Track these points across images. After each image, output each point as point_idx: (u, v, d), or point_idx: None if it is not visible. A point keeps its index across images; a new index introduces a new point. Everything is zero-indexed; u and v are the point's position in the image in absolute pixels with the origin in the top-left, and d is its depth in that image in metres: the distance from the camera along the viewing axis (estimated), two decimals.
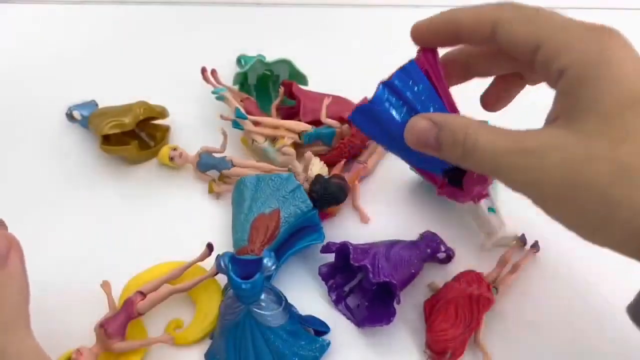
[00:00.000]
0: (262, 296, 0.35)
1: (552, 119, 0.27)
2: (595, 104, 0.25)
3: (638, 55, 0.25)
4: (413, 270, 0.40)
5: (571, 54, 0.26)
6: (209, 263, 0.40)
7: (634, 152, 0.24)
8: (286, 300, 0.36)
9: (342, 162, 0.48)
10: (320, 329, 0.39)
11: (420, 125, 0.28)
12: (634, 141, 0.24)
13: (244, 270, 0.33)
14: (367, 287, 0.40)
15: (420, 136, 0.29)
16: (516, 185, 0.26)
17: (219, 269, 0.33)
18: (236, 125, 0.47)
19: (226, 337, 0.36)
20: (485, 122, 0.28)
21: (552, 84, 0.27)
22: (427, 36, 0.32)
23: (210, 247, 0.40)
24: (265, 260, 0.33)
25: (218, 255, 0.34)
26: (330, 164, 0.48)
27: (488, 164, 0.26)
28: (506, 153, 0.25)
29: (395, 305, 0.37)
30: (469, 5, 0.29)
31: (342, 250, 0.40)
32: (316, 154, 0.47)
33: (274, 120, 0.48)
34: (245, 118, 0.47)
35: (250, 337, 0.35)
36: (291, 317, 0.36)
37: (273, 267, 0.33)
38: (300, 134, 0.48)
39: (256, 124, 0.48)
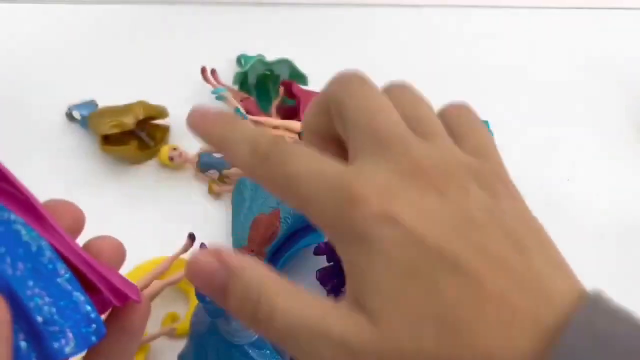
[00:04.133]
0: None
1: (350, 293, 0.22)
2: (374, 286, 0.20)
3: (393, 210, 0.20)
4: None
5: (327, 232, 0.22)
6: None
7: (436, 344, 0.19)
8: None
9: None
10: None
11: (204, 264, 0.21)
12: (431, 326, 0.19)
13: None
14: None
15: (203, 278, 0.22)
16: None
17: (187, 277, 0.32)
18: None
19: (195, 345, 0.35)
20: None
21: None
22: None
23: (192, 238, 0.40)
24: None
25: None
26: None
27: (283, 340, 0.21)
28: (306, 332, 0.20)
29: None
30: (236, 135, 0.24)
31: (332, 247, 0.40)
32: None
33: (273, 120, 0.48)
34: (246, 118, 0.47)
35: (216, 351, 0.34)
36: (261, 337, 0.35)
37: None
38: (300, 134, 0.48)
39: (256, 123, 0.48)
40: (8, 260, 0.17)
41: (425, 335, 0.19)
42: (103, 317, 0.19)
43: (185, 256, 0.41)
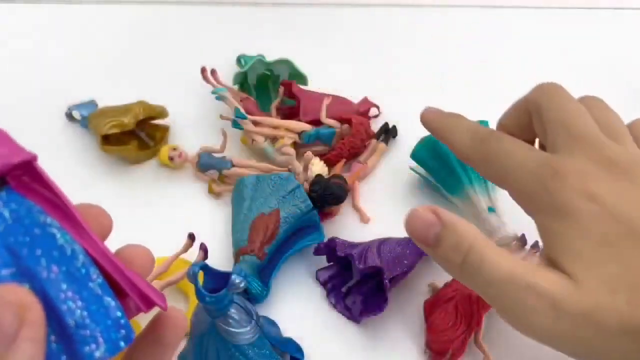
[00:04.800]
0: (231, 312, 0.33)
1: (546, 256, 0.26)
2: (574, 252, 0.24)
3: (590, 189, 0.25)
4: (406, 262, 0.39)
5: (528, 203, 0.27)
6: (194, 254, 0.40)
7: (626, 301, 0.23)
8: (257, 319, 0.35)
9: (342, 162, 0.48)
10: (293, 354, 0.37)
11: (423, 216, 0.26)
12: (622, 288, 0.23)
13: (216, 282, 0.32)
14: (357, 277, 0.40)
15: (420, 228, 0.26)
16: (523, 328, 0.25)
17: (188, 278, 0.32)
18: (236, 125, 0.47)
19: (194, 345, 0.35)
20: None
21: None
22: (428, 127, 0.34)
23: (192, 238, 0.40)
24: (233, 277, 0.31)
25: (191, 265, 0.33)
26: (330, 164, 0.48)
27: (489, 289, 0.25)
28: (513, 285, 0.24)
29: (387, 294, 0.37)
30: (458, 123, 0.31)
31: (332, 247, 0.40)
32: (316, 154, 0.47)
33: (274, 120, 0.48)
34: (245, 118, 0.47)
35: (215, 351, 0.34)
36: (260, 338, 0.35)
37: (242, 286, 0.31)
38: (300, 134, 0.48)
39: (256, 123, 0.48)
40: (43, 262, 0.17)
41: (618, 297, 0.23)
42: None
43: (186, 256, 0.41)
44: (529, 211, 0.27)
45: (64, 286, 0.17)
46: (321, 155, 0.48)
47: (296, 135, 0.48)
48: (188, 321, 0.38)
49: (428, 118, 0.32)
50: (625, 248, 0.23)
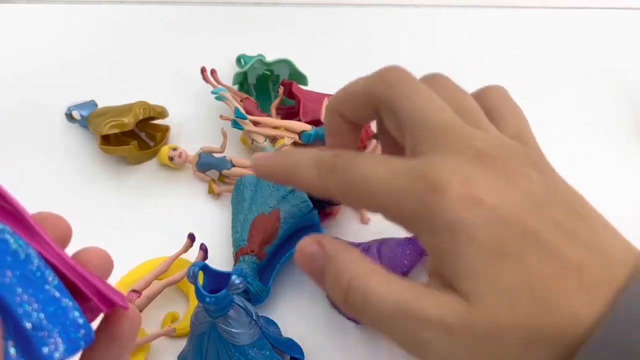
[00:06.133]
0: (231, 312, 0.33)
1: (434, 275, 0.23)
2: (468, 269, 0.21)
3: (473, 193, 0.21)
4: (406, 262, 0.39)
5: (412, 227, 0.23)
6: (194, 255, 0.40)
7: (526, 312, 0.21)
8: (257, 319, 0.35)
9: None
10: (293, 354, 0.37)
11: (307, 249, 0.24)
12: (521, 297, 0.21)
13: (216, 282, 0.32)
14: None
15: (307, 262, 0.24)
16: (415, 357, 0.22)
17: (188, 278, 0.32)
18: (236, 125, 0.47)
19: (194, 345, 0.35)
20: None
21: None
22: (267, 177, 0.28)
23: (192, 238, 0.40)
24: (233, 277, 0.31)
25: (191, 265, 0.33)
26: None
27: (379, 324, 0.22)
28: (402, 316, 0.21)
29: None
30: (298, 162, 0.26)
31: None
32: None
33: (273, 120, 0.48)
34: (245, 118, 0.47)
35: (216, 351, 0.34)
36: (261, 338, 0.35)
37: (242, 286, 0.31)
38: (300, 134, 0.48)
39: (256, 123, 0.48)
40: None
41: (519, 309, 0.21)
42: (92, 325, 0.20)
43: (185, 256, 0.41)
44: (412, 232, 0.23)
45: (19, 290, 0.17)
46: None
47: (296, 135, 0.48)
48: (187, 322, 0.38)
49: (259, 165, 0.26)
50: (522, 252, 0.21)
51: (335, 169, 0.24)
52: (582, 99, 0.57)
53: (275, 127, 0.48)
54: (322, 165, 0.24)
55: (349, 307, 0.22)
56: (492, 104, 0.26)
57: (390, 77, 0.25)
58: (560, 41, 0.64)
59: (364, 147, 0.49)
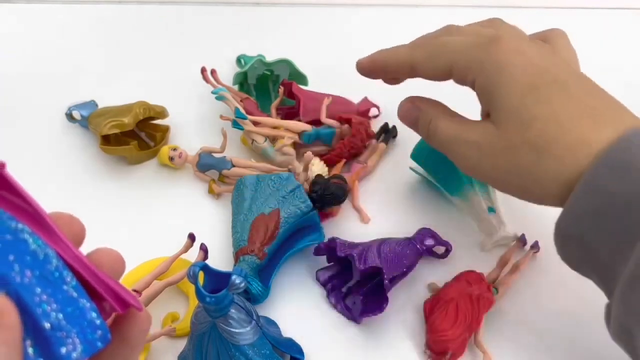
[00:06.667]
0: (231, 312, 0.33)
1: (485, 113, 0.34)
2: (501, 101, 0.32)
3: (521, 47, 0.32)
4: (406, 262, 0.39)
5: (473, 70, 0.33)
6: (194, 255, 0.40)
7: (539, 133, 0.30)
8: (257, 319, 0.35)
9: (342, 162, 0.48)
10: (293, 354, 0.37)
11: (405, 106, 0.38)
12: (538, 121, 0.30)
13: (217, 282, 0.32)
14: (357, 277, 0.40)
15: (406, 114, 0.38)
16: (462, 169, 0.35)
17: (188, 278, 0.32)
18: (236, 125, 0.47)
19: (194, 345, 0.35)
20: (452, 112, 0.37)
21: (472, 89, 0.34)
22: (368, 72, 0.40)
23: (192, 238, 0.40)
24: (233, 277, 0.31)
25: (191, 265, 0.32)
26: (330, 164, 0.48)
27: (443, 148, 0.35)
28: (454, 141, 0.34)
29: (387, 294, 0.37)
30: (392, 48, 0.38)
31: (332, 247, 0.40)
32: (316, 154, 0.47)
33: (273, 120, 0.48)
34: (245, 118, 0.47)
35: (216, 351, 0.34)
36: (261, 338, 0.35)
37: (242, 286, 0.31)
38: (300, 134, 0.48)
39: (256, 124, 0.48)
40: (16, 268, 0.17)
41: (533, 131, 0.30)
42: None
43: (186, 256, 0.41)
44: (470, 77, 0.33)
45: (38, 290, 0.17)
46: (321, 156, 0.48)
47: (296, 135, 0.48)
48: (187, 322, 0.38)
49: (364, 64, 0.39)
50: (545, 89, 0.30)
51: (430, 37, 0.37)
52: None
53: (275, 127, 0.48)
54: (415, 42, 0.37)
55: (429, 137, 0.36)
56: (550, 37, 0.36)
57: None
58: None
59: (365, 148, 0.49)
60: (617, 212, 0.27)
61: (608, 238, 0.28)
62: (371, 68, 0.39)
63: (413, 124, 0.37)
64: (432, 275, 0.42)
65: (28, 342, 0.17)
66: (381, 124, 0.51)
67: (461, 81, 0.35)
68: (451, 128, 0.34)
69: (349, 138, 0.48)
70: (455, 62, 0.34)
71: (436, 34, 0.37)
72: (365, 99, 0.53)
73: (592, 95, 0.31)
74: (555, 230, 0.31)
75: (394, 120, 0.52)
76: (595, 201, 0.28)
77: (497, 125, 0.32)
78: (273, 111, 0.50)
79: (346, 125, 0.48)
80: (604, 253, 0.28)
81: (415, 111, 0.37)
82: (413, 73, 0.37)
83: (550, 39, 0.36)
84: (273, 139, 0.48)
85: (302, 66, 0.53)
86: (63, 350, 0.17)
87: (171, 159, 0.47)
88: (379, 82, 0.41)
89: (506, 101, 0.31)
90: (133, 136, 0.50)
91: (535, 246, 0.43)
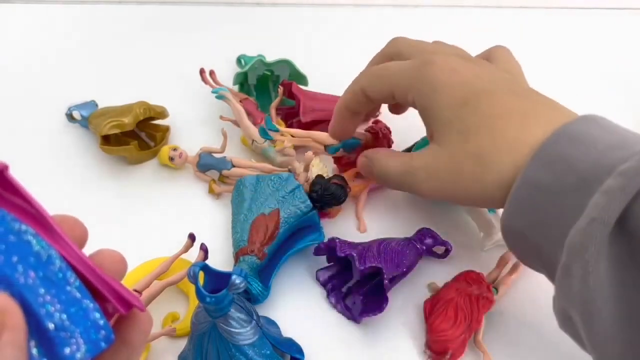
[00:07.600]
0: (231, 312, 0.33)
1: (429, 134, 0.35)
2: (439, 118, 0.33)
3: (456, 67, 0.34)
4: (405, 261, 0.39)
5: (412, 91, 0.35)
6: (194, 255, 0.40)
7: (475, 142, 0.31)
8: (258, 319, 0.35)
9: (354, 170, 0.46)
10: (293, 354, 0.37)
11: (359, 161, 0.40)
12: (472, 131, 0.32)
13: (217, 282, 0.32)
14: (357, 277, 0.40)
15: (363, 167, 0.40)
16: (420, 196, 0.36)
17: (188, 278, 0.32)
18: (265, 135, 0.45)
19: (195, 345, 0.35)
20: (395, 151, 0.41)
21: (415, 108, 0.36)
22: (340, 134, 0.43)
23: (192, 238, 0.40)
24: (233, 277, 0.31)
25: (191, 265, 0.32)
26: (344, 170, 0.47)
27: (398, 183, 0.37)
28: (405, 173, 0.35)
29: (387, 294, 0.37)
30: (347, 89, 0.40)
31: (332, 247, 0.40)
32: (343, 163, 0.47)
33: (303, 132, 0.46)
34: (277, 130, 0.45)
35: (216, 351, 0.34)
36: (261, 338, 0.35)
37: (242, 286, 0.31)
38: (326, 147, 0.46)
39: (283, 135, 0.45)
40: (20, 269, 0.17)
41: (471, 142, 0.31)
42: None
43: (186, 256, 0.41)
44: (414, 97, 0.35)
45: (42, 291, 0.17)
46: (343, 165, 0.47)
47: (322, 147, 0.45)
48: (187, 322, 0.38)
49: (334, 131, 0.43)
50: (479, 102, 0.32)
51: (371, 67, 0.42)
52: (582, 99, 0.57)
53: (303, 138, 0.45)
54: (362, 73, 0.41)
55: (384, 179, 0.38)
56: (494, 55, 0.39)
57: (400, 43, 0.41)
58: (560, 42, 0.64)
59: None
60: (550, 205, 0.28)
61: (546, 231, 0.28)
62: (341, 123, 0.42)
63: (370, 173, 0.39)
64: (432, 275, 0.42)
65: (32, 343, 0.17)
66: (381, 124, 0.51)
67: (404, 102, 0.36)
68: (398, 162, 0.36)
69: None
70: (395, 85, 0.36)
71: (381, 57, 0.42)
72: None
73: (522, 97, 0.32)
74: (501, 228, 0.32)
75: (394, 120, 0.52)
76: (531, 195, 0.28)
77: (439, 143, 0.33)
78: (273, 111, 0.50)
79: (370, 135, 0.47)
80: (547, 247, 0.28)
81: (368, 162, 0.39)
82: (368, 99, 0.38)
83: (493, 57, 0.38)
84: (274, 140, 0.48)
85: (302, 66, 0.53)
86: (67, 350, 0.17)
87: (171, 159, 0.47)
88: None
89: (442, 117, 0.33)
90: (133, 136, 0.50)
91: None
